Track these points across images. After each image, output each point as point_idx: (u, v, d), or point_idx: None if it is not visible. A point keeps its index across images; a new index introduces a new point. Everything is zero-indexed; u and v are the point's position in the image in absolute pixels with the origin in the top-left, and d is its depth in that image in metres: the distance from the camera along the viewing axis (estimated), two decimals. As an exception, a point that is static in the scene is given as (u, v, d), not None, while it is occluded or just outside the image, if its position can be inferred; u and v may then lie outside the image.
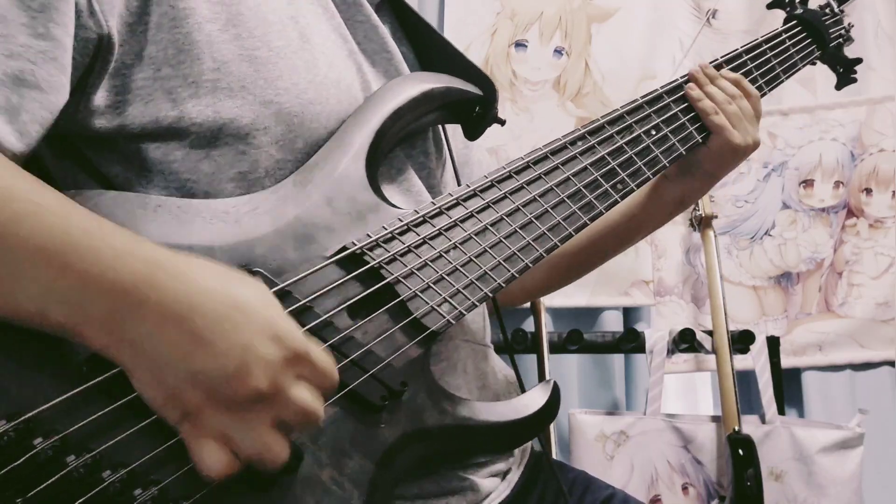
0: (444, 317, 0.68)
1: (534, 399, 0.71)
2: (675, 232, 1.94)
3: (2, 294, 0.52)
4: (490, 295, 0.72)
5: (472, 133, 0.85)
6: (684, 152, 0.91)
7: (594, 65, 1.95)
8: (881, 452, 1.80)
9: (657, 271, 1.93)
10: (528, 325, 1.82)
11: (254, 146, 0.69)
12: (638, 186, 0.85)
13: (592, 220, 0.80)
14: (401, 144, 0.80)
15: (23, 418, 0.50)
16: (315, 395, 0.54)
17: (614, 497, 0.89)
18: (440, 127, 0.86)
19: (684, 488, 1.65)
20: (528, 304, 1.83)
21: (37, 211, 0.53)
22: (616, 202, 0.82)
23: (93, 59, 0.65)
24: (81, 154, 0.70)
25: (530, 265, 0.74)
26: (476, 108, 0.82)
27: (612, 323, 1.90)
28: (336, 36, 0.77)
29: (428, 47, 0.87)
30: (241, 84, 0.68)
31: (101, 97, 0.66)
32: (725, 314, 1.65)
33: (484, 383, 0.79)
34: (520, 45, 1.95)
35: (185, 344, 0.51)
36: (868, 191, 1.94)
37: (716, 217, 1.77)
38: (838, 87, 1.15)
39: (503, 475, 0.82)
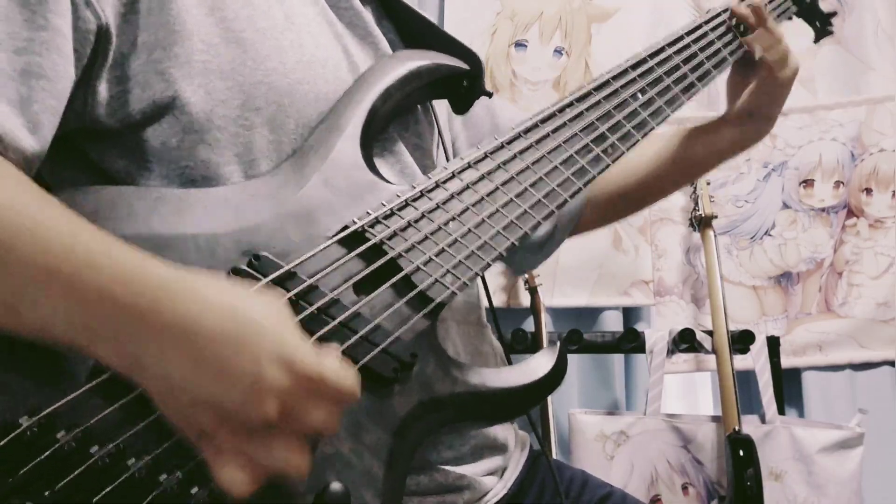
0: (449, 288, 0.69)
1: (541, 363, 0.71)
2: (675, 232, 1.94)
3: (5, 313, 0.51)
4: (492, 263, 0.72)
5: (461, 107, 0.86)
6: (670, 112, 0.91)
7: (594, 65, 1.95)
8: (881, 452, 1.79)
9: (657, 271, 1.93)
10: (528, 325, 1.82)
11: (246, 127, 0.69)
12: (629, 149, 0.85)
13: (586, 185, 0.81)
14: (393, 125, 0.81)
15: (44, 413, 0.50)
16: (331, 413, 0.53)
17: (612, 495, 0.89)
18: (431, 108, 0.87)
19: (684, 488, 1.65)
20: (528, 304, 1.83)
21: (40, 227, 0.51)
22: (608, 166, 0.83)
23: (93, 51, 0.65)
24: (83, 154, 0.70)
25: (529, 232, 0.75)
26: (463, 83, 0.83)
27: (612, 323, 1.89)
28: (321, 19, 0.78)
29: (412, 30, 0.88)
30: (230, 66, 0.69)
31: (104, 89, 0.67)
32: (725, 314, 1.65)
33: (479, 363, 0.79)
34: (520, 45, 1.95)
35: (190, 369, 0.50)
36: (868, 191, 1.94)
37: (716, 217, 1.77)
38: (816, 40, 1.17)
39: (501, 473, 0.82)
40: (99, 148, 0.70)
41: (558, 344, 0.73)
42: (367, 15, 0.83)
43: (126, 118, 0.67)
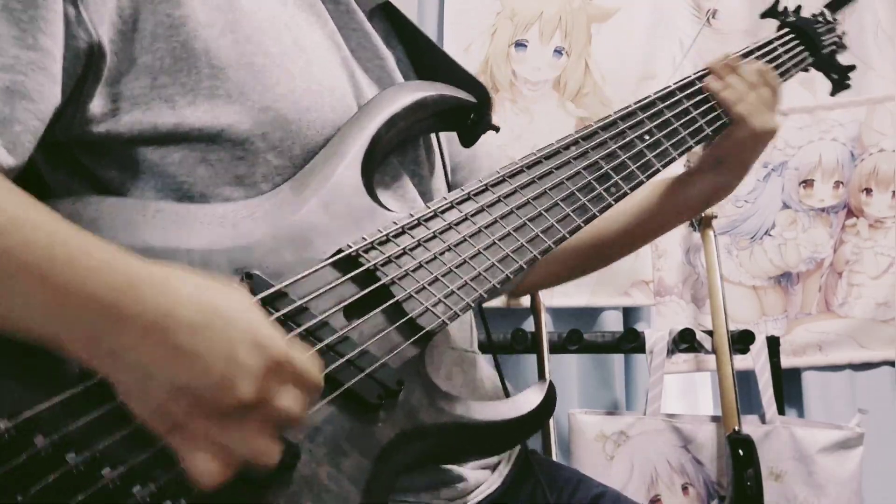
0: (439, 317, 0.69)
1: (529, 398, 0.72)
2: (675, 232, 1.93)
3: None
4: (485, 296, 0.72)
5: (468, 140, 0.85)
6: (676, 156, 0.92)
7: (594, 65, 1.95)
8: (881, 452, 1.80)
9: (657, 271, 1.93)
10: (528, 325, 1.82)
11: (251, 151, 0.69)
12: (632, 190, 0.85)
13: (587, 222, 0.80)
14: (395, 152, 0.81)
15: (23, 417, 0.50)
16: (299, 399, 0.54)
17: (605, 495, 0.89)
18: (434, 135, 0.86)
19: (684, 488, 1.65)
20: (528, 304, 1.83)
21: (18, 223, 0.52)
22: (610, 205, 0.83)
23: (85, 67, 0.65)
24: (77, 161, 0.70)
25: (524, 266, 0.75)
26: (471, 116, 0.83)
27: (612, 323, 1.89)
28: (330, 43, 0.78)
29: (421, 52, 0.88)
30: (239, 90, 0.69)
31: (97, 105, 0.66)
32: (725, 314, 1.65)
33: (472, 391, 0.79)
34: (520, 45, 1.95)
35: (166, 357, 0.51)
36: (868, 191, 1.94)
37: (716, 217, 1.77)
38: (833, 93, 1.18)
39: (493, 468, 0.82)
40: (91, 157, 0.69)
41: (548, 383, 0.73)
42: (376, 36, 0.83)
43: (119, 134, 0.67)
